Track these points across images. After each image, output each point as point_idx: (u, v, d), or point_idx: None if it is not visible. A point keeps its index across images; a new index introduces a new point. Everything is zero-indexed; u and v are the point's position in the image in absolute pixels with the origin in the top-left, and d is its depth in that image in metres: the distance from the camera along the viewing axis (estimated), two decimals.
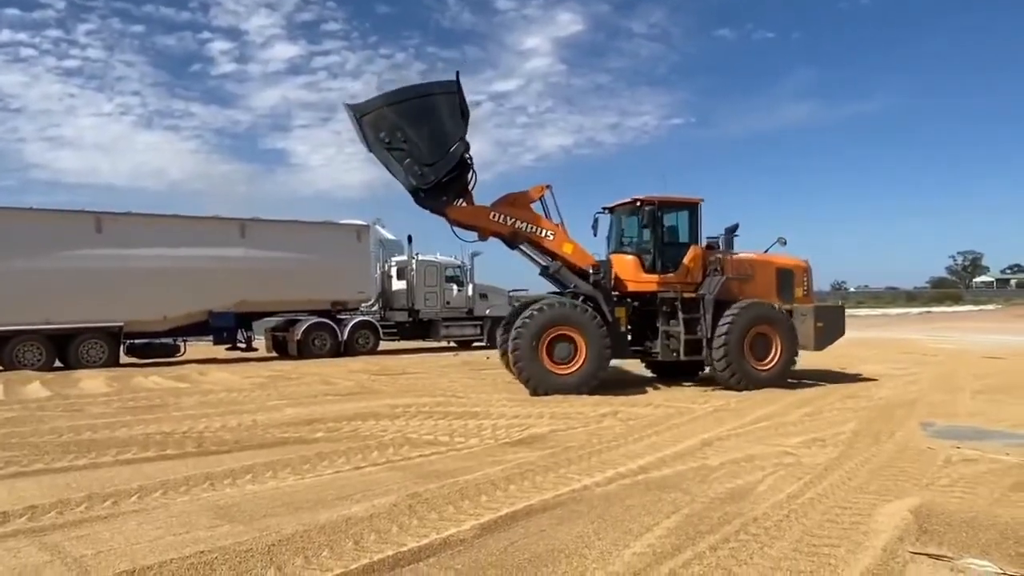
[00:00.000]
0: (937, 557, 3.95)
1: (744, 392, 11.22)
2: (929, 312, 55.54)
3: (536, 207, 12.11)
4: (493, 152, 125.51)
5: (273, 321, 22.01)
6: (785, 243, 12.76)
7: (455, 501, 5.11)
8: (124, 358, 18.42)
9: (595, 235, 13.03)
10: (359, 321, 21.64)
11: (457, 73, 11.04)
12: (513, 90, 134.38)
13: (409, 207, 11.74)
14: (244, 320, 20.61)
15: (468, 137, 11.22)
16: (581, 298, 11.63)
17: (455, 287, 23.56)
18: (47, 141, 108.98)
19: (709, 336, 11.72)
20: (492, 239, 12.26)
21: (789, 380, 12.10)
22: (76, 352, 17.41)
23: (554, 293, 12.54)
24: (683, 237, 12.55)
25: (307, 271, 20.16)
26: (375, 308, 23.41)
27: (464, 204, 11.75)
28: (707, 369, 12.14)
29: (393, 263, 23.90)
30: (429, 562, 3.96)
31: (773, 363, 11.82)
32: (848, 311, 15.15)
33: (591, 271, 11.84)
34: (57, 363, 17.29)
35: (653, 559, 3.95)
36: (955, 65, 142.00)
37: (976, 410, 9.32)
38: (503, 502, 5.09)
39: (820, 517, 4.70)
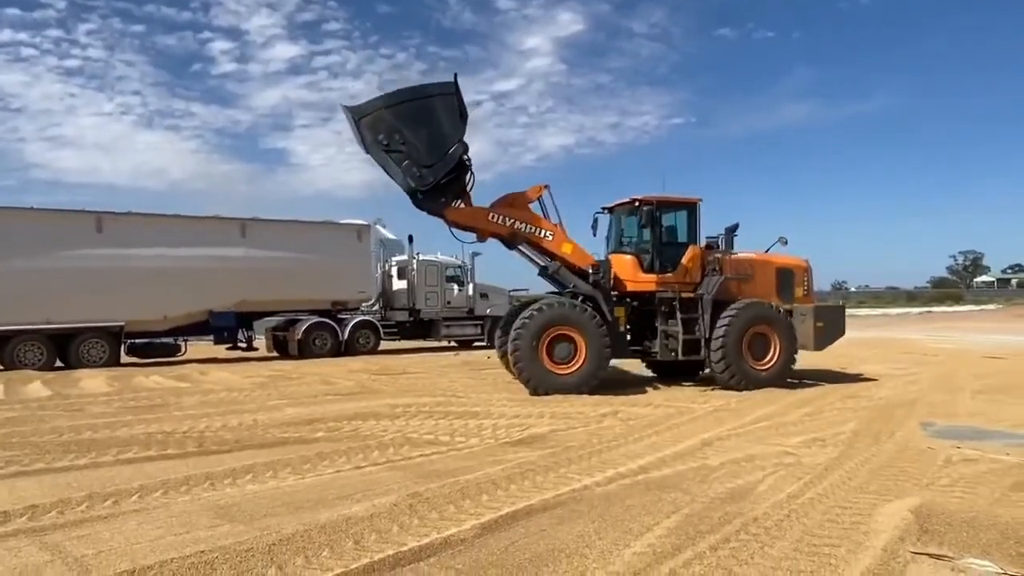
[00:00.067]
0: (938, 557, 3.95)
1: (744, 392, 11.22)
2: (930, 312, 55.53)
3: (534, 207, 12.11)
4: (494, 152, 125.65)
5: (274, 321, 22.02)
6: (786, 243, 12.75)
7: (456, 500, 5.11)
8: (125, 358, 18.44)
9: (595, 235, 13.06)
10: (360, 321, 21.64)
11: (455, 75, 11.10)
12: (514, 90, 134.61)
13: (409, 207, 11.77)
14: (245, 320, 20.62)
15: (466, 138, 11.24)
16: (580, 298, 11.63)
17: (456, 287, 23.57)
18: (48, 141, 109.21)
19: (707, 336, 11.72)
20: (491, 240, 12.27)
21: (789, 380, 12.09)
22: (77, 352, 17.42)
23: (553, 293, 12.54)
24: (682, 237, 12.54)
25: (308, 271, 20.17)
26: (376, 308, 23.42)
27: (462, 205, 11.75)
28: (707, 369, 12.15)
29: (394, 263, 23.91)
30: (430, 561, 3.96)
31: (772, 363, 11.81)
32: (848, 311, 15.15)
33: (590, 271, 11.84)
34: (58, 363, 17.30)
35: (653, 559, 3.95)
36: (955, 65, 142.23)
37: (976, 410, 9.32)
38: (504, 501, 5.09)
39: (820, 517, 4.70)
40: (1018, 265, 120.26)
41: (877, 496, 5.19)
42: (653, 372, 13.81)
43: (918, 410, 9.29)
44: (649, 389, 11.94)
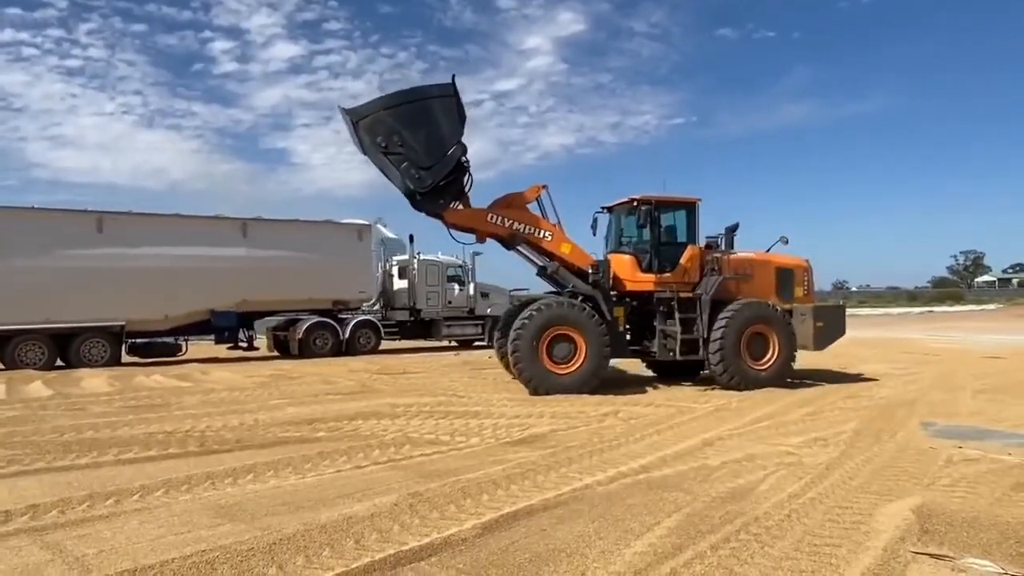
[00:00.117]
0: (938, 557, 3.95)
1: (745, 392, 11.21)
2: (930, 312, 55.53)
3: (533, 208, 12.11)
4: (495, 151, 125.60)
5: (274, 320, 22.04)
6: (787, 242, 12.74)
7: (456, 500, 5.11)
8: (126, 357, 18.46)
9: (594, 235, 13.07)
10: (360, 320, 21.64)
11: (453, 76, 11.09)
12: (514, 89, 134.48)
13: (410, 207, 11.76)
14: (245, 319, 20.62)
15: (465, 139, 11.24)
16: (580, 298, 11.63)
17: (456, 286, 23.58)
18: (49, 140, 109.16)
19: (706, 336, 11.71)
20: (490, 240, 12.27)
21: (789, 380, 12.08)
22: (78, 351, 17.44)
23: (552, 293, 12.54)
24: (680, 237, 12.54)
25: (308, 270, 20.17)
26: (376, 307, 23.43)
27: (461, 207, 11.75)
28: (707, 369, 12.13)
29: (394, 262, 23.92)
30: (430, 561, 3.96)
31: (770, 363, 11.80)
32: (849, 311, 15.16)
33: (589, 271, 11.84)
34: (59, 362, 17.31)
35: (654, 558, 3.95)
36: (955, 65, 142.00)
37: (977, 409, 9.31)
38: (504, 501, 5.09)
39: (821, 517, 4.70)
40: (1019, 265, 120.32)
41: (878, 496, 5.18)
42: (653, 372, 13.80)
43: (919, 410, 9.28)
44: (650, 389, 11.94)
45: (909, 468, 6.06)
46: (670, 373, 13.22)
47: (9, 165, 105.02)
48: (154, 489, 5.53)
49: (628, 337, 12.43)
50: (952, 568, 3.82)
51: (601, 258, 12.41)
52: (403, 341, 23.86)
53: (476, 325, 23.63)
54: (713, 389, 11.62)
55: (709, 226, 12.94)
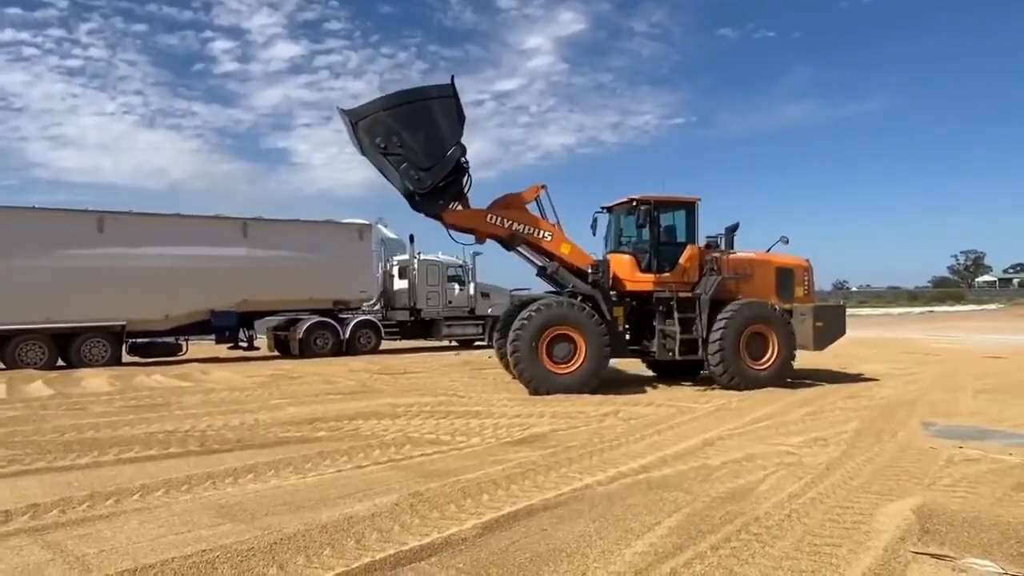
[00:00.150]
0: (939, 557, 3.95)
1: (745, 391, 11.21)
2: (931, 312, 55.50)
3: (532, 208, 12.11)
4: (495, 151, 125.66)
5: (275, 320, 22.03)
6: (787, 242, 12.73)
7: (457, 500, 5.12)
8: (126, 357, 18.46)
9: (594, 234, 13.08)
10: (361, 320, 21.63)
11: (452, 77, 11.09)
12: (515, 89, 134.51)
13: (409, 208, 11.75)
14: (246, 319, 20.62)
15: (465, 140, 11.23)
16: (579, 297, 11.63)
17: (457, 286, 23.58)
18: (49, 140, 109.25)
19: (705, 336, 11.70)
20: (490, 240, 12.27)
21: (790, 380, 12.08)
22: (78, 351, 17.43)
23: (551, 293, 12.53)
24: (680, 236, 12.53)
25: (309, 270, 20.17)
26: (377, 307, 23.43)
27: (460, 208, 11.74)
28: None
29: (395, 262, 23.93)
30: (431, 561, 3.96)
31: (770, 362, 11.79)
32: (850, 311, 15.16)
33: (589, 271, 11.84)
34: (60, 362, 17.32)
35: (655, 558, 3.95)
36: (955, 65, 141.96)
37: (978, 409, 9.31)
38: (505, 501, 5.09)
39: (822, 517, 4.70)
40: (1020, 265, 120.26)
41: (878, 496, 5.18)
42: (653, 372, 13.80)
43: (919, 410, 9.28)
44: (650, 388, 11.94)
45: (910, 468, 6.06)
46: (670, 373, 13.21)
47: (10, 165, 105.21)
48: (155, 489, 5.53)
49: (627, 337, 12.43)
50: (953, 568, 3.82)
51: (601, 258, 12.41)
52: (403, 341, 23.86)
53: (476, 325, 23.63)
54: (713, 389, 11.61)
55: (709, 226, 12.96)
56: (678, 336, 11.74)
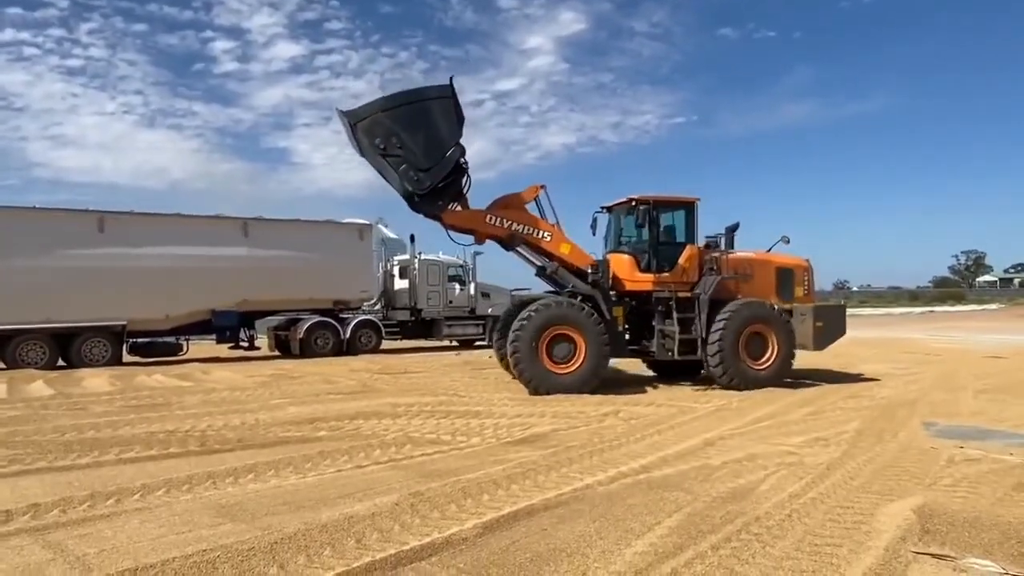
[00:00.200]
0: (940, 557, 3.95)
1: (745, 392, 11.20)
2: (932, 312, 55.49)
3: (531, 208, 12.10)
4: (496, 151, 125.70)
5: (275, 320, 22.04)
6: (788, 242, 12.71)
7: (457, 500, 5.11)
8: (127, 357, 18.47)
9: (594, 234, 13.08)
10: (361, 320, 21.63)
11: (451, 78, 11.09)
12: (515, 89, 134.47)
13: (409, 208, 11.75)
14: (247, 319, 20.63)
15: (464, 140, 11.23)
16: (579, 297, 11.62)
17: (457, 286, 23.59)
18: (50, 140, 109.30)
19: (704, 336, 11.69)
20: (489, 240, 12.26)
21: (790, 380, 12.08)
22: (79, 351, 17.44)
23: (551, 293, 12.53)
24: (679, 236, 12.53)
25: (309, 270, 20.17)
26: (377, 307, 23.45)
27: (459, 208, 11.73)
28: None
29: (395, 262, 23.94)
30: (431, 560, 3.96)
31: (769, 362, 11.78)
32: (850, 311, 15.16)
33: (589, 271, 11.83)
34: (60, 362, 17.32)
35: (655, 558, 3.95)
36: (955, 65, 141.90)
37: (979, 409, 9.31)
38: (505, 501, 5.09)
39: (822, 516, 4.70)
40: (1020, 265, 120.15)
41: (879, 496, 5.18)
42: (654, 371, 13.79)
43: (920, 410, 9.28)
44: (650, 388, 11.94)
45: (910, 468, 6.06)
46: (670, 373, 13.21)
47: (10, 165, 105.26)
48: (155, 488, 5.53)
49: (627, 337, 12.42)
50: (953, 568, 3.82)
51: (601, 258, 12.41)
52: (404, 341, 23.86)
53: (477, 325, 23.63)
54: (713, 389, 11.61)
55: (709, 226, 12.97)
56: (677, 336, 11.73)
